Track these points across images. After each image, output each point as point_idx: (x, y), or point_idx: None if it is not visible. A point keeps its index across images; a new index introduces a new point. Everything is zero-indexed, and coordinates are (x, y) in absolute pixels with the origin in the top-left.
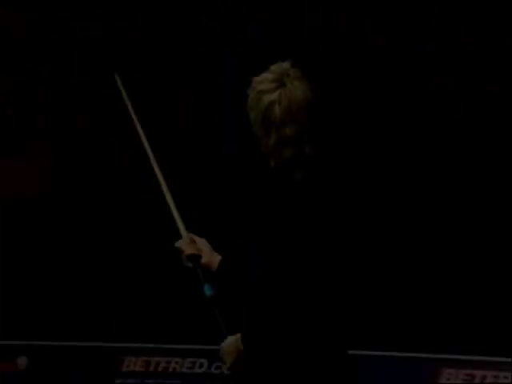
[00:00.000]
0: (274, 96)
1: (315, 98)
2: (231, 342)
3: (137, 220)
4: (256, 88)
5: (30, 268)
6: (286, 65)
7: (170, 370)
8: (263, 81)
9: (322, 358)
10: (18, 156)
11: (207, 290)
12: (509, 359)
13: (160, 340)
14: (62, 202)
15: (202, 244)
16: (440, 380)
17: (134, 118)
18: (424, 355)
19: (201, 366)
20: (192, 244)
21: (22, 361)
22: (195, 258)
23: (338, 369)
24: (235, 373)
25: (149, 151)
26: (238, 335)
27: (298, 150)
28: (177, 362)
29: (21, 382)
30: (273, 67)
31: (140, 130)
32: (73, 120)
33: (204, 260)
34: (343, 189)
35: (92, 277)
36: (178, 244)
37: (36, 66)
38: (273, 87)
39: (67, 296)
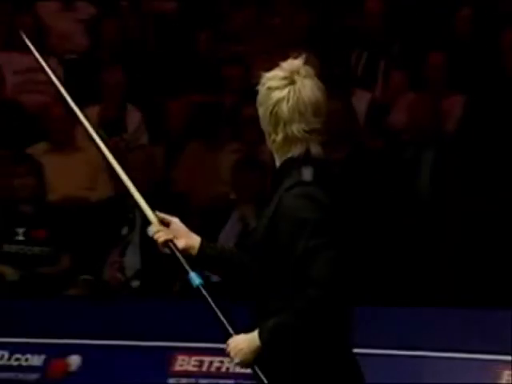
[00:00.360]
0: (283, 93)
1: (325, 98)
2: (239, 339)
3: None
4: (266, 84)
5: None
6: (297, 62)
7: (223, 369)
8: (273, 77)
9: (336, 356)
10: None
11: (195, 279)
12: None
13: (213, 339)
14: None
15: (177, 226)
16: (499, 381)
17: (64, 93)
18: (483, 356)
19: None
20: (165, 228)
21: (74, 360)
22: (171, 243)
23: (351, 366)
24: (246, 367)
25: (91, 131)
26: (252, 333)
27: (304, 149)
28: (230, 362)
29: (72, 381)
30: (284, 64)
31: (74, 106)
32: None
33: (181, 244)
34: (348, 189)
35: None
36: (151, 232)
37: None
38: (282, 84)
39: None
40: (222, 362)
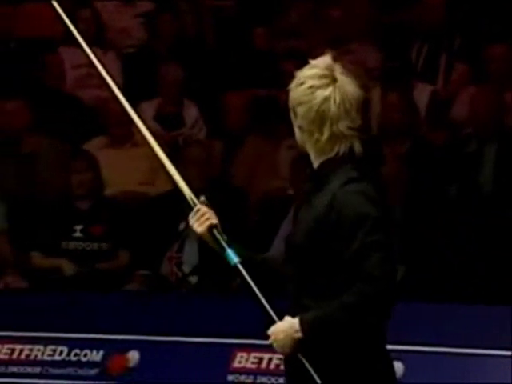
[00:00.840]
0: (328, 91)
1: (364, 93)
2: (280, 326)
3: None
4: (306, 83)
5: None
6: (328, 59)
7: (283, 367)
8: (314, 76)
9: (374, 354)
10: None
11: (233, 257)
12: None
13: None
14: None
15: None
16: None
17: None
18: None
19: None
20: (211, 211)
21: (133, 356)
22: (216, 228)
23: (386, 364)
24: (287, 355)
25: (133, 114)
26: (292, 320)
27: (348, 147)
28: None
29: (131, 376)
30: (316, 62)
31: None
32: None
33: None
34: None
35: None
36: (199, 212)
37: None
38: (325, 83)
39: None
40: (281, 359)
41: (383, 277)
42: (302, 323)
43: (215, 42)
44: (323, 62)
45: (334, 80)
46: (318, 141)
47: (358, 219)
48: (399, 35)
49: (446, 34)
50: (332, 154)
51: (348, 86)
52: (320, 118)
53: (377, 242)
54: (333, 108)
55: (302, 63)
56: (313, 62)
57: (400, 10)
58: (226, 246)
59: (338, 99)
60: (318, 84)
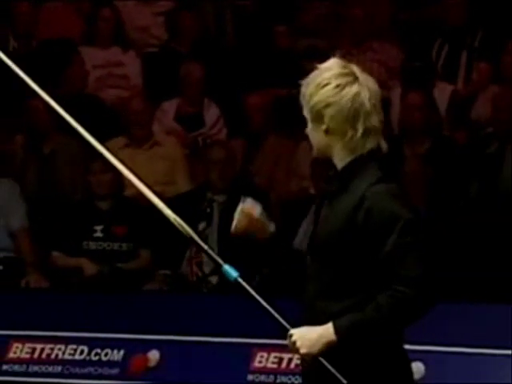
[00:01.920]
0: (356, 88)
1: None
2: (306, 330)
3: None
4: (331, 83)
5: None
6: (339, 60)
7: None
8: (336, 75)
9: (395, 353)
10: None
11: (232, 272)
12: None
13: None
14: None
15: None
16: None
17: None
18: None
19: None
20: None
21: (154, 355)
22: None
23: (406, 362)
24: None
25: (125, 171)
26: (325, 326)
27: (376, 143)
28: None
29: (152, 376)
30: (328, 64)
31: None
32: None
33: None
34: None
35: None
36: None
37: None
38: (350, 80)
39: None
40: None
41: (420, 277)
42: (337, 327)
43: (236, 41)
44: (336, 62)
45: (356, 77)
46: (351, 139)
47: (390, 221)
48: (420, 34)
49: (467, 33)
50: (364, 151)
51: (369, 82)
52: (353, 114)
53: (410, 243)
54: (365, 102)
55: (324, 62)
56: (321, 66)
57: (421, 9)
58: (221, 262)
59: (368, 94)
60: (345, 82)
